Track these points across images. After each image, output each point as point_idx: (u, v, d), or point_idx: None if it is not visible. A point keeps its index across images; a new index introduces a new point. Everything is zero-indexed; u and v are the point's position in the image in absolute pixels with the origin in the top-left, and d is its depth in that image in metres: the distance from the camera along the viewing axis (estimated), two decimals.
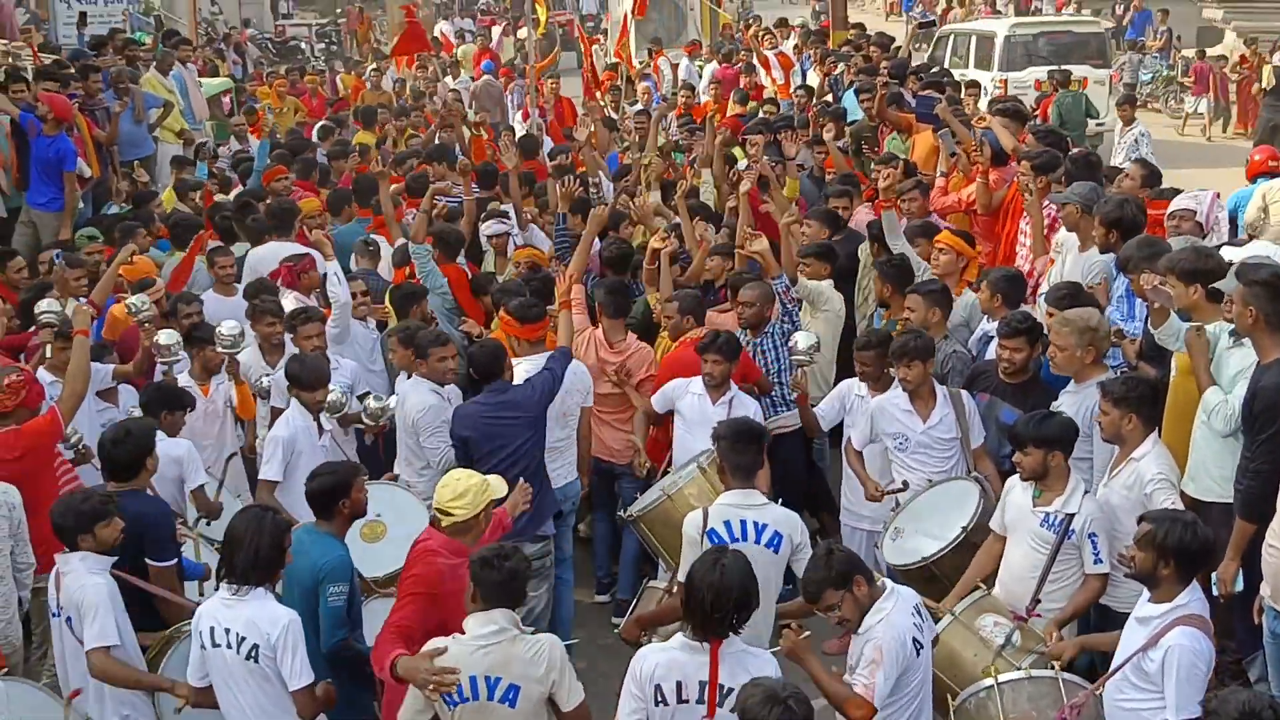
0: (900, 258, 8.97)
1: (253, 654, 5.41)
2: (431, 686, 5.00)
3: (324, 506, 6.11)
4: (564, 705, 5.12)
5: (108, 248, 10.13)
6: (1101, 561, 6.11)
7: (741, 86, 18.18)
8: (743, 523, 6.19)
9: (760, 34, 21.73)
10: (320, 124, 17.45)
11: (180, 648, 6.11)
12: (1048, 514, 6.22)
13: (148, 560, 6.34)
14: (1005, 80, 19.49)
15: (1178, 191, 8.63)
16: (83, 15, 20.79)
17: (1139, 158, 9.57)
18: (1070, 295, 7.47)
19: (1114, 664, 5.41)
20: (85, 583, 5.90)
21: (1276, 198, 9.26)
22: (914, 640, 5.29)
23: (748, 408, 7.68)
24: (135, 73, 15.78)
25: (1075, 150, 10.27)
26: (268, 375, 8.46)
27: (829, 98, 16.54)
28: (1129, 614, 5.45)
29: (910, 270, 8.79)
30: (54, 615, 6.11)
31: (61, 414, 7.23)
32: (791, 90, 18.03)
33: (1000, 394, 7.37)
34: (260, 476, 7.55)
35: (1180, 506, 5.91)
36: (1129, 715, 5.28)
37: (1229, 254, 6.96)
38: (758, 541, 6.15)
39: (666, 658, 5.02)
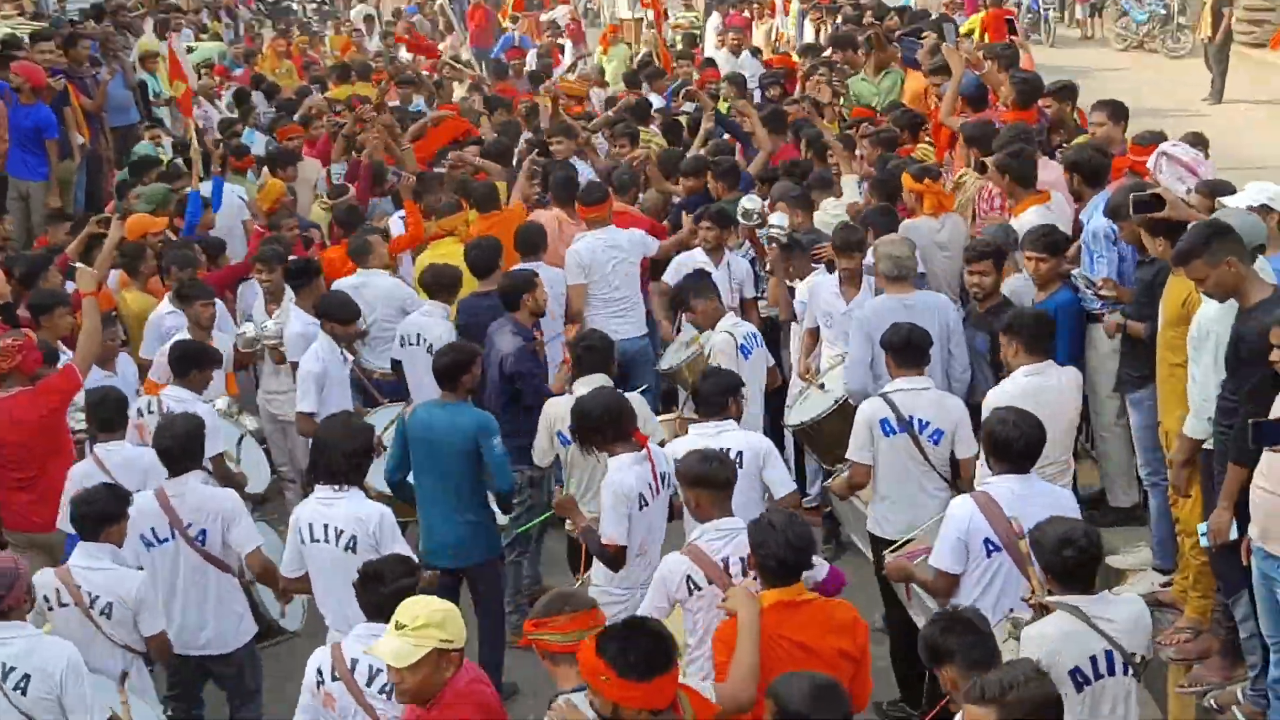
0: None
1: (351, 545, 5.94)
2: None
3: (451, 379, 7.01)
4: None
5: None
6: None
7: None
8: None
9: None
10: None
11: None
12: None
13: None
14: None
15: (1162, 135, 8.56)
16: None
17: (1103, 100, 9.42)
18: (1047, 235, 7.54)
19: None
20: (216, 494, 6.54)
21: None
22: (640, 495, 6.15)
23: (742, 267, 9.17)
24: (124, 39, 15.70)
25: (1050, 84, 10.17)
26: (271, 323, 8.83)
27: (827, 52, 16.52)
28: None
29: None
30: (160, 542, 6.36)
31: (79, 370, 7.42)
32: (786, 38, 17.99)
33: (976, 323, 7.69)
34: (299, 409, 8.14)
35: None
36: None
37: (1229, 199, 6.83)
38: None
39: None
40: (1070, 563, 4.87)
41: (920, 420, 6.64)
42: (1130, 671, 4.89)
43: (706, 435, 6.41)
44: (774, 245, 8.84)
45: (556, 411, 7.14)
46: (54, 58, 12.86)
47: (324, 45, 23.19)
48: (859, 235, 8.21)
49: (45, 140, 12.37)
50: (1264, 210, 6.46)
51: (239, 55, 20.47)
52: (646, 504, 6.21)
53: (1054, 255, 7.50)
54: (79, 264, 8.60)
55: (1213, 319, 6.07)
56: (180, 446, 6.43)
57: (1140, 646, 4.93)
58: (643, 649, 4.23)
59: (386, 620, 4.78)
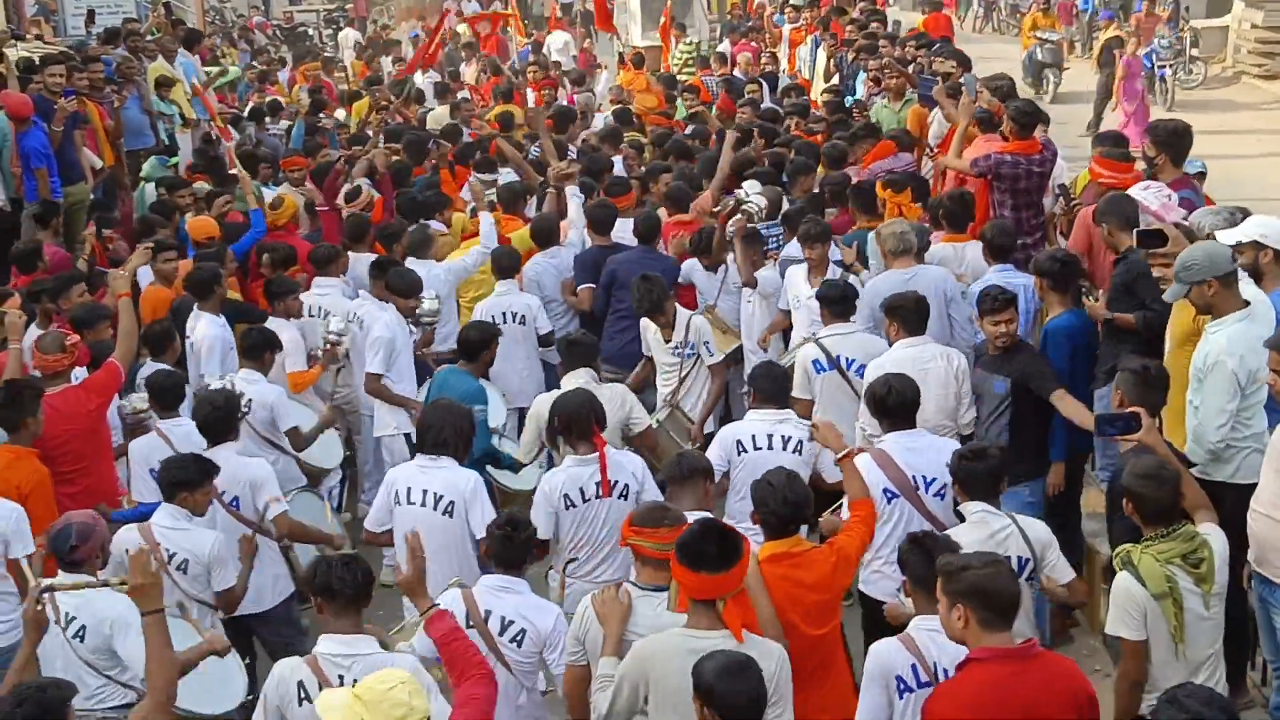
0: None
1: (448, 510, 6.42)
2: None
3: (473, 353, 7.90)
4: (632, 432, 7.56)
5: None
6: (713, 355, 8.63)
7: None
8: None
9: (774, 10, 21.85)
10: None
11: (296, 502, 7.32)
12: None
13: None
14: None
15: (1125, 155, 8.80)
16: (91, 13, 20.53)
17: (1102, 134, 9.57)
18: (1059, 261, 7.62)
19: None
20: (248, 462, 7.00)
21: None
22: (565, 496, 6.47)
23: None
24: (139, 63, 15.76)
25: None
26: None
27: (835, 79, 16.68)
28: None
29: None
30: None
31: (119, 367, 7.71)
32: (796, 66, 18.10)
33: (987, 366, 7.46)
34: (368, 369, 8.72)
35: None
36: None
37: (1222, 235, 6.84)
38: None
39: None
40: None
41: (846, 358, 7.72)
42: (1031, 580, 5.68)
43: (768, 421, 6.96)
44: (744, 214, 9.26)
45: (545, 408, 7.36)
46: (64, 81, 12.92)
47: (338, 70, 23.33)
48: (823, 227, 8.94)
49: (34, 168, 12.27)
50: (1255, 246, 6.55)
51: (254, 79, 20.67)
52: (574, 505, 6.48)
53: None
54: (112, 269, 8.80)
55: (1223, 349, 6.18)
56: (216, 419, 6.96)
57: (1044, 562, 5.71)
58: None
59: (516, 571, 5.61)
